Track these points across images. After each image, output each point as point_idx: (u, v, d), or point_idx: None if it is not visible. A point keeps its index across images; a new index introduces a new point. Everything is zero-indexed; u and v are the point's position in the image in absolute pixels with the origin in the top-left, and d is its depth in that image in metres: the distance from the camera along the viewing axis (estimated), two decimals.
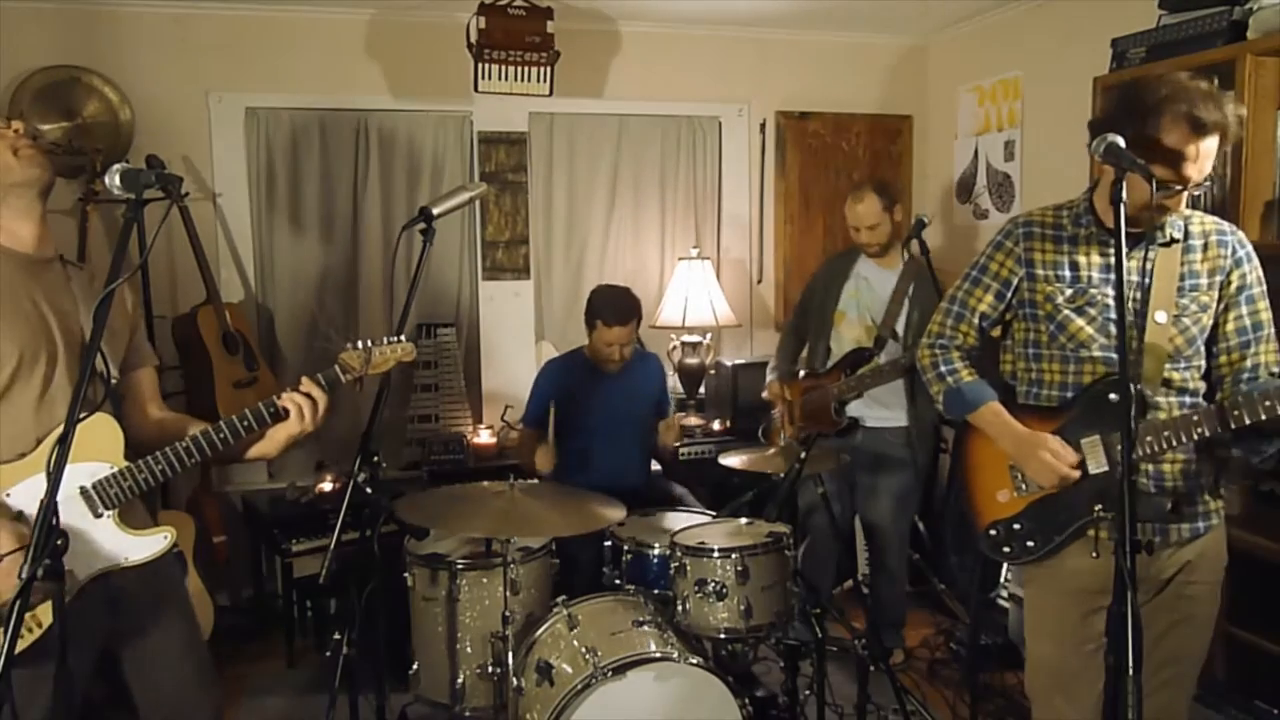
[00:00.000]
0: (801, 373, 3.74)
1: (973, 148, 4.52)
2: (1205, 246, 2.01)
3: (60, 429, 1.54)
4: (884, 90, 4.84)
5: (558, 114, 4.42)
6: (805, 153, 4.76)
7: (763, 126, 4.70)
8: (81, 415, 1.55)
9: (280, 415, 1.96)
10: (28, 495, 1.77)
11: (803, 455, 2.91)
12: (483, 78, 3.90)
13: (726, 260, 4.73)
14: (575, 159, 4.52)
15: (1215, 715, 2.58)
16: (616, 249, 4.63)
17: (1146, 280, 1.98)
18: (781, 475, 3.05)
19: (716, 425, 4.31)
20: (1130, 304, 1.98)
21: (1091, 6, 3.71)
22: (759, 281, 4.79)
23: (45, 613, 1.75)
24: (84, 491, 1.83)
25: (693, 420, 4.29)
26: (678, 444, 3.72)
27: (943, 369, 2.18)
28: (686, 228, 4.69)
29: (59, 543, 1.48)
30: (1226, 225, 2.06)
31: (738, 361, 4.42)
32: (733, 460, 3.18)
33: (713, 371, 4.45)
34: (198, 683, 2.08)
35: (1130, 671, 1.50)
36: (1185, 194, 1.91)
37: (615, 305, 3.37)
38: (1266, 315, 2.02)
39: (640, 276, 4.62)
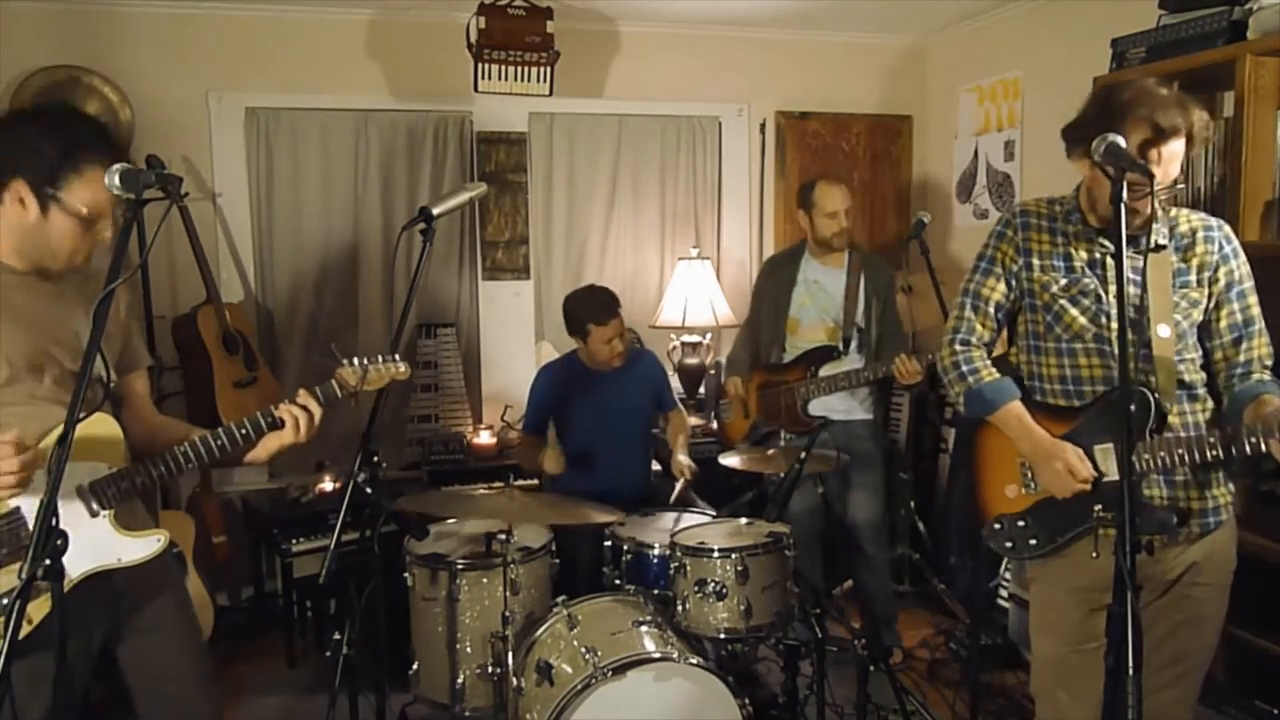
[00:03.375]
0: (747, 362, 3.77)
1: (973, 148, 4.52)
2: (1193, 244, 2.05)
3: (59, 428, 1.54)
4: (884, 90, 4.84)
5: (558, 114, 4.42)
6: (805, 153, 4.76)
7: (763, 126, 4.70)
8: (81, 415, 1.55)
9: (277, 425, 2.00)
10: (26, 493, 1.77)
11: (803, 455, 2.92)
12: (483, 78, 3.90)
13: (726, 260, 4.73)
14: (575, 159, 4.52)
15: (1215, 715, 2.58)
16: (616, 249, 4.63)
17: (1139, 289, 2.01)
18: (781, 475, 3.05)
19: (716, 425, 4.31)
20: (1114, 297, 2.01)
21: (1091, 6, 3.71)
22: None
23: (37, 609, 1.75)
24: (81, 490, 1.83)
25: (693, 420, 4.28)
26: (688, 474, 3.34)
27: (964, 369, 2.18)
28: (686, 228, 4.69)
29: (59, 543, 1.48)
30: (1213, 220, 2.09)
31: None
32: (733, 460, 3.18)
33: (712, 371, 4.45)
34: (198, 682, 2.08)
35: (1130, 672, 1.50)
36: (1150, 197, 1.93)
37: (600, 303, 3.35)
38: (1256, 310, 2.06)
39: (640, 276, 4.63)
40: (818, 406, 3.55)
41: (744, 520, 2.98)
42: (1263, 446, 1.83)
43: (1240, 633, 2.69)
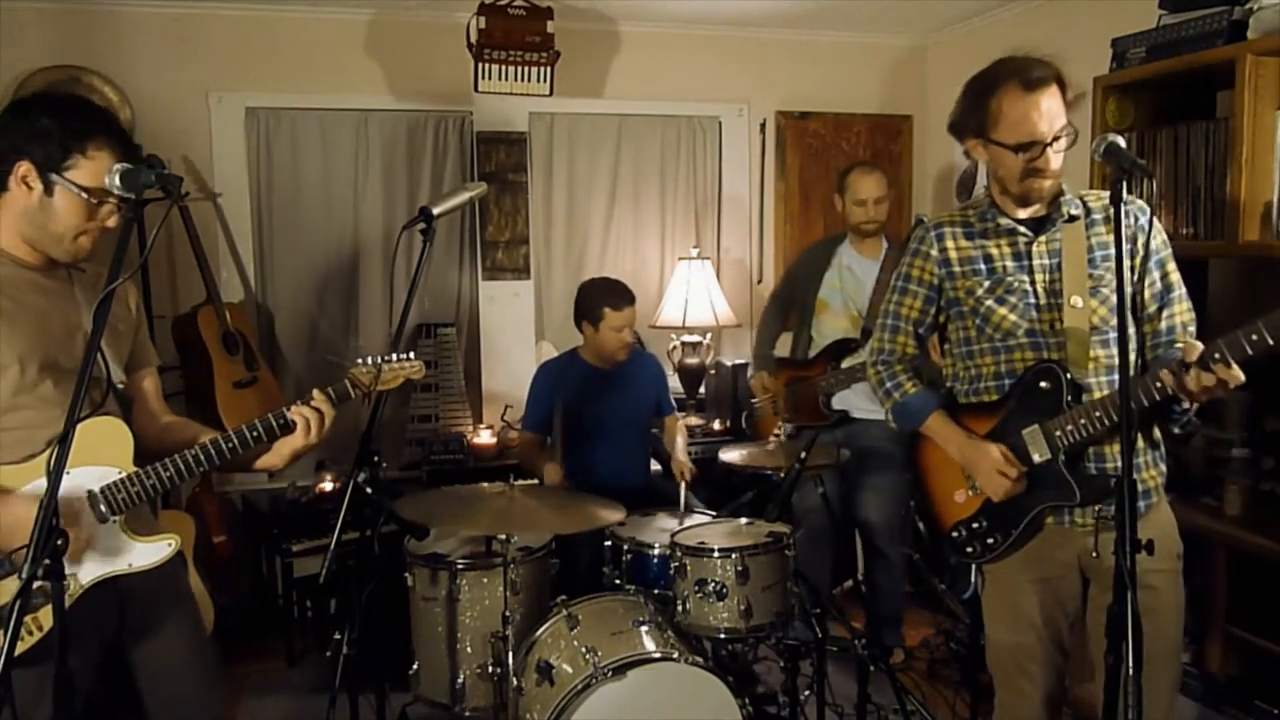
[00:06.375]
0: (777, 359, 3.79)
1: None
2: (1107, 219, 2.06)
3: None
4: (884, 90, 4.84)
5: (558, 114, 4.43)
6: (805, 153, 4.76)
7: (763, 126, 4.70)
8: (82, 415, 1.55)
9: (289, 427, 1.97)
10: (35, 496, 1.77)
11: (803, 455, 2.91)
12: (483, 78, 3.90)
13: (726, 260, 4.73)
14: (575, 159, 4.52)
15: (1215, 715, 2.58)
16: (616, 249, 4.63)
17: (1056, 264, 2.04)
18: (781, 474, 3.05)
19: (716, 425, 4.31)
20: (1041, 286, 2.05)
21: (1091, 6, 3.71)
22: (759, 281, 4.78)
23: (47, 615, 1.74)
24: (92, 495, 1.83)
25: (693, 420, 4.29)
26: (688, 474, 3.38)
27: (889, 385, 2.25)
28: (686, 228, 4.69)
29: (59, 543, 1.48)
30: (1124, 195, 2.08)
31: (738, 361, 4.42)
32: (732, 455, 3.18)
33: (713, 371, 4.45)
34: (205, 683, 2.08)
35: (1130, 672, 1.51)
36: (1053, 156, 1.96)
37: (616, 289, 3.38)
38: (1176, 277, 2.08)
39: (640, 276, 4.62)
40: (840, 402, 3.56)
41: (744, 520, 2.98)
42: (1168, 389, 1.83)
43: (1240, 633, 2.69)
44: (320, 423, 1.98)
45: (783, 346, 3.90)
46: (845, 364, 3.53)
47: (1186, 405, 1.94)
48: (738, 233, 4.75)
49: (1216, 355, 1.75)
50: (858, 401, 3.56)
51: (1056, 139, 1.96)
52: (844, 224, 3.70)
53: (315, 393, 2.01)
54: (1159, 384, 1.84)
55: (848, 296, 3.61)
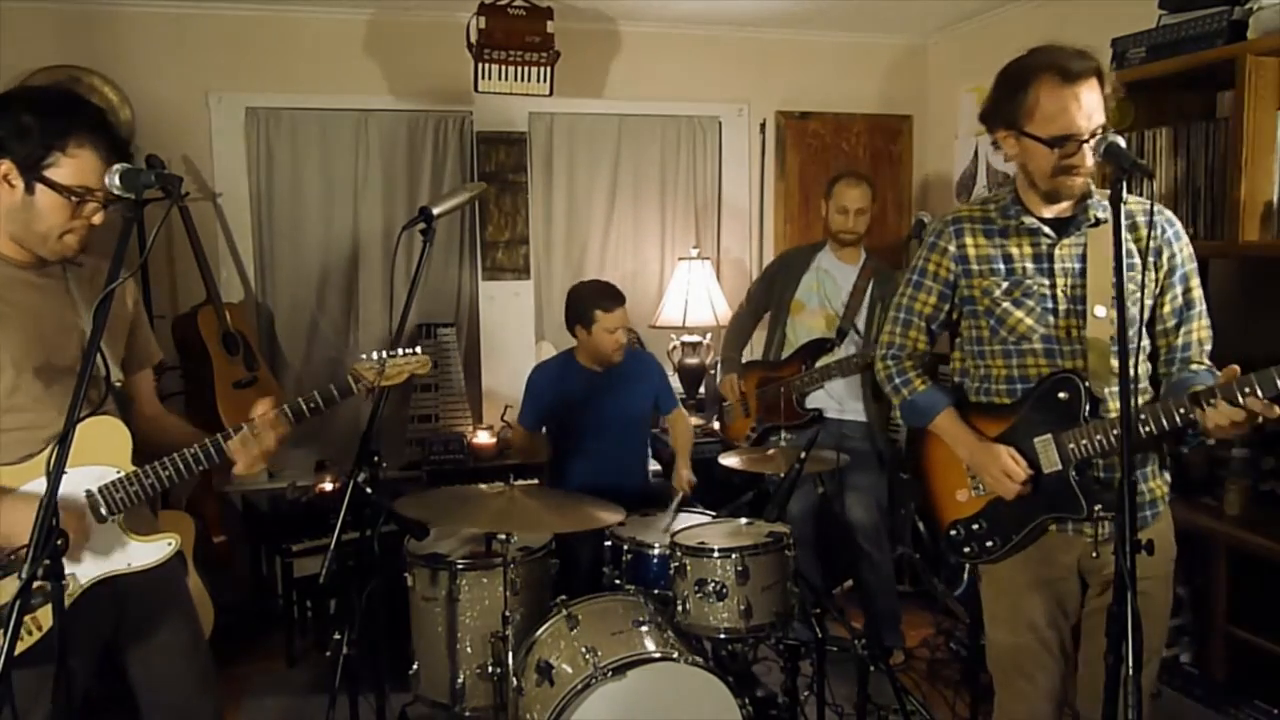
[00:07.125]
0: (745, 360, 3.83)
1: (973, 148, 4.52)
2: (1133, 226, 2.01)
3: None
4: (884, 90, 4.84)
5: (558, 114, 4.43)
6: (805, 153, 4.76)
7: (763, 126, 4.70)
8: (82, 415, 1.55)
9: (229, 457, 1.91)
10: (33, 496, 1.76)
11: (803, 455, 2.91)
12: (483, 78, 3.90)
13: (726, 260, 4.73)
14: (575, 159, 4.52)
15: (1215, 715, 2.58)
16: (616, 249, 4.63)
17: (1080, 270, 2.00)
18: (781, 475, 3.05)
19: (716, 425, 4.31)
20: (1062, 292, 2.01)
21: (1091, 6, 3.71)
22: None
23: (46, 616, 1.74)
24: (90, 495, 1.83)
25: (693, 420, 4.28)
26: (688, 489, 3.35)
27: (897, 381, 2.23)
28: (686, 228, 4.69)
29: (59, 543, 1.48)
30: (1149, 204, 2.05)
31: None
32: (733, 460, 3.18)
33: (712, 372, 4.45)
34: (201, 684, 2.08)
35: (1130, 672, 1.51)
36: (1088, 153, 1.90)
37: (606, 291, 3.37)
38: (1198, 293, 2.04)
39: (640, 276, 4.63)
40: (814, 401, 3.57)
41: (744, 520, 2.98)
42: (1191, 415, 1.81)
43: (1240, 633, 2.69)
44: (262, 453, 1.91)
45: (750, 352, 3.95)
46: (820, 364, 3.55)
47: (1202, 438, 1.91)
48: (737, 233, 4.75)
49: (1246, 389, 1.73)
50: (830, 403, 3.58)
51: (1094, 135, 1.89)
52: (825, 230, 3.74)
53: (268, 414, 1.92)
54: (1182, 410, 1.81)
55: (824, 297, 3.65)
